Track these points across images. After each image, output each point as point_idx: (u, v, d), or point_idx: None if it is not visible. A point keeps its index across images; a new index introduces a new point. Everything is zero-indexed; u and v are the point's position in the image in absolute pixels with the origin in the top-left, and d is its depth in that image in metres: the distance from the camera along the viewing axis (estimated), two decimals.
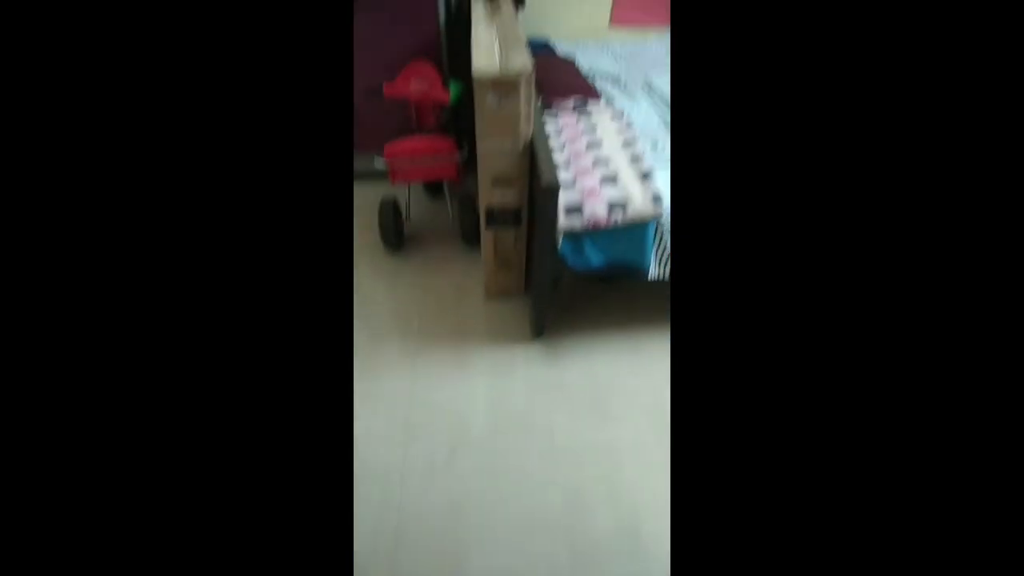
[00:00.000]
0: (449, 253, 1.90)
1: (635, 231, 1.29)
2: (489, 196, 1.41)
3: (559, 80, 1.77)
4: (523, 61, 1.28)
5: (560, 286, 1.47)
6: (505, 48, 1.41)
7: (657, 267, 1.36)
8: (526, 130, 1.31)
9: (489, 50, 1.36)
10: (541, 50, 2.19)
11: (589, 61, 2.13)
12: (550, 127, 1.59)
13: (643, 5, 2.29)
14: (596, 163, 1.41)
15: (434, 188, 2.16)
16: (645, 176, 1.34)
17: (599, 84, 1.94)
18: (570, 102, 1.67)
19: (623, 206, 1.26)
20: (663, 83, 1.94)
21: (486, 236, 1.50)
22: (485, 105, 1.23)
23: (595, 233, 1.28)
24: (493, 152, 1.33)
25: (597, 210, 1.25)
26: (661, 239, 1.32)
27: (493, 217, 1.46)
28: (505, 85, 1.21)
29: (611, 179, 1.33)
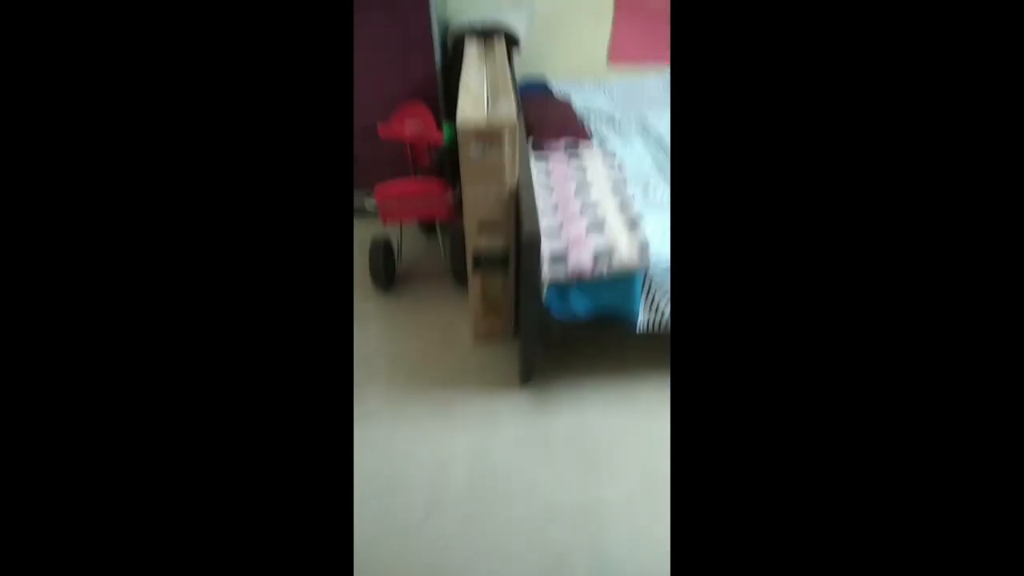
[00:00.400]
0: (440, 293, 1.87)
1: (622, 281, 1.25)
2: (476, 240, 1.39)
3: (551, 121, 1.77)
4: (509, 110, 1.27)
5: (551, 332, 1.43)
6: (494, 94, 1.41)
7: (647, 316, 1.31)
8: (511, 177, 1.29)
9: (477, 97, 1.35)
10: (537, 89, 2.20)
11: (585, 100, 2.14)
12: (540, 169, 1.58)
13: (640, 43, 2.30)
14: (584, 209, 1.38)
15: (428, 225, 2.15)
16: (633, 223, 1.30)
17: (593, 124, 1.94)
18: (561, 144, 1.66)
19: (609, 255, 1.23)
20: (658, 122, 1.93)
21: (473, 280, 1.47)
22: (469, 154, 1.22)
23: (581, 283, 1.25)
24: (478, 198, 1.31)
25: (582, 259, 1.22)
26: (649, 289, 1.27)
27: (480, 261, 1.43)
28: (489, 135, 1.20)
29: (598, 226, 1.30)
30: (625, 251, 1.23)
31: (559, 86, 2.25)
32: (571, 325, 1.35)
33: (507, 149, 1.23)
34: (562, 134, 1.69)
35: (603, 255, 1.23)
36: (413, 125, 1.79)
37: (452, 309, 1.79)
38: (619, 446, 1.37)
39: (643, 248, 1.23)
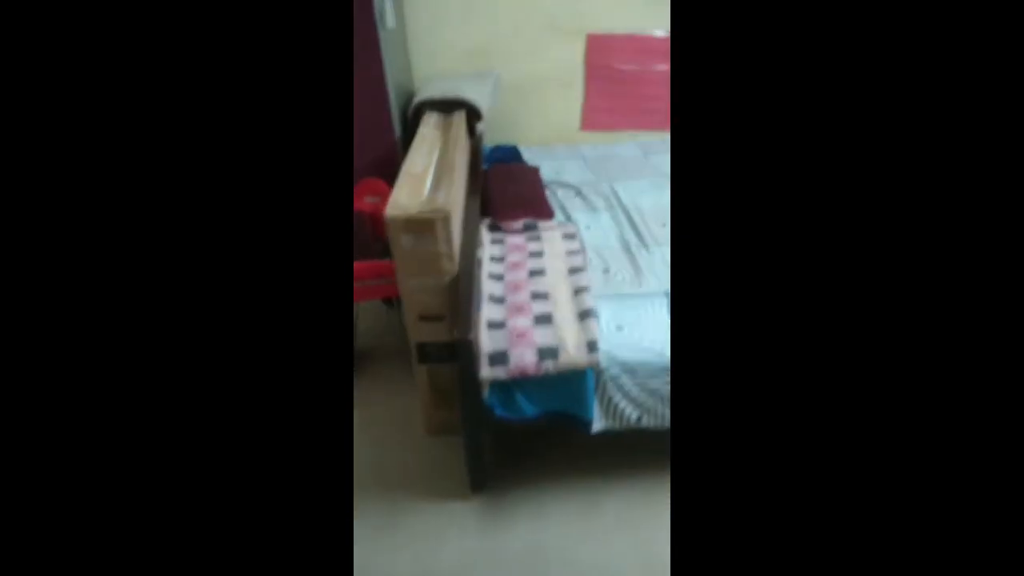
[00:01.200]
0: (399, 373, 1.73)
1: (571, 380, 1.12)
2: (417, 332, 1.27)
3: (513, 197, 1.69)
4: (447, 198, 1.19)
5: (503, 433, 1.29)
6: (439, 178, 1.34)
7: (604, 419, 1.17)
8: (451, 267, 1.20)
9: (417, 181, 1.28)
10: (507, 157, 2.15)
11: (556, 168, 2.08)
12: (494, 253, 1.49)
13: (612, 109, 2.27)
14: (535, 297, 1.27)
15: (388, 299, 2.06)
16: (584, 315, 1.19)
17: (560, 195, 1.86)
18: (520, 224, 1.58)
19: (555, 352, 1.10)
20: (628, 193, 1.85)
21: (420, 371, 1.35)
22: (400, 245, 1.13)
23: (525, 382, 1.12)
24: (415, 289, 1.21)
25: (525, 358, 1.09)
26: (604, 389, 1.14)
27: (425, 353, 1.31)
28: (420, 225, 1.11)
29: (546, 318, 1.19)
30: (572, 348, 1.10)
31: (530, 154, 2.20)
32: (528, 426, 1.21)
33: (442, 239, 1.14)
34: (522, 212, 1.61)
35: (549, 352, 1.10)
36: (372, 202, 1.73)
37: (410, 392, 1.66)
38: (578, 566, 1.19)
39: (591, 345, 1.10)
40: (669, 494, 1.37)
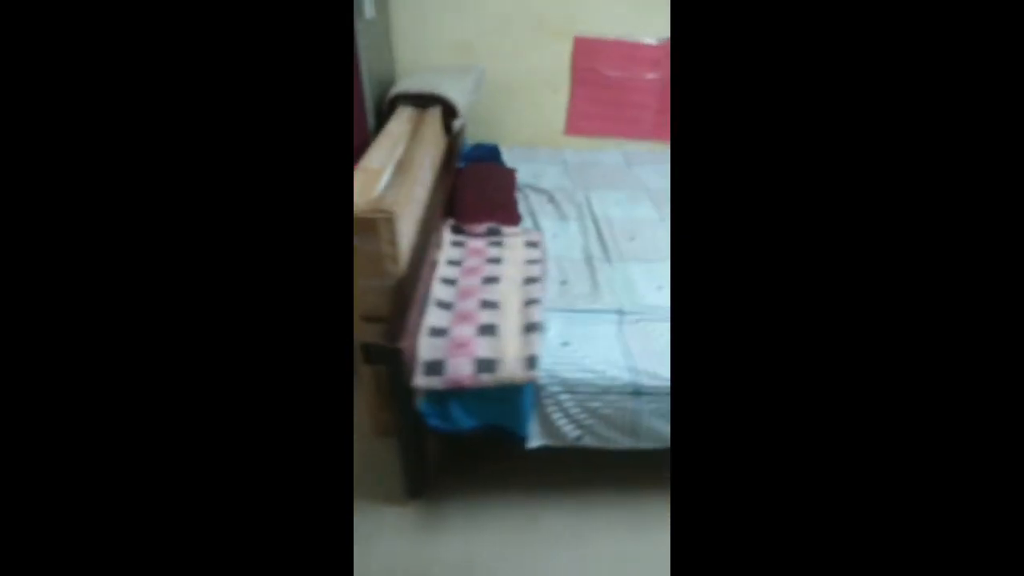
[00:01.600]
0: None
1: (509, 395, 1.09)
2: (362, 333, 1.24)
3: (480, 198, 1.66)
4: (398, 197, 1.16)
5: (442, 442, 1.26)
6: (397, 175, 1.30)
7: (542, 436, 1.14)
8: (396, 269, 1.16)
9: (371, 178, 1.24)
10: (486, 156, 2.12)
11: (534, 172, 2.04)
12: (453, 254, 1.45)
13: (597, 115, 2.23)
14: (484, 306, 1.24)
15: None
16: (529, 329, 1.15)
17: (532, 199, 1.83)
18: (483, 227, 1.54)
19: (493, 365, 1.07)
20: (601, 203, 1.81)
21: (365, 371, 1.32)
22: None
23: (462, 393, 1.09)
24: (361, 289, 1.18)
25: (461, 369, 1.06)
26: (542, 406, 1.11)
27: (370, 354, 1.28)
28: (363, 225, 1.08)
29: (491, 329, 1.16)
30: (511, 362, 1.07)
31: (511, 155, 2.17)
32: (467, 436, 1.18)
33: (385, 240, 1.10)
34: (487, 216, 1.58)
35: (487, 364, 1.07)
36: None
37: (358, 391, 1.63)
38: None
39: (531, 361, 1.07)
40: (607, 512, 1.37)
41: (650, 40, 2.06)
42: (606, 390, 1.10)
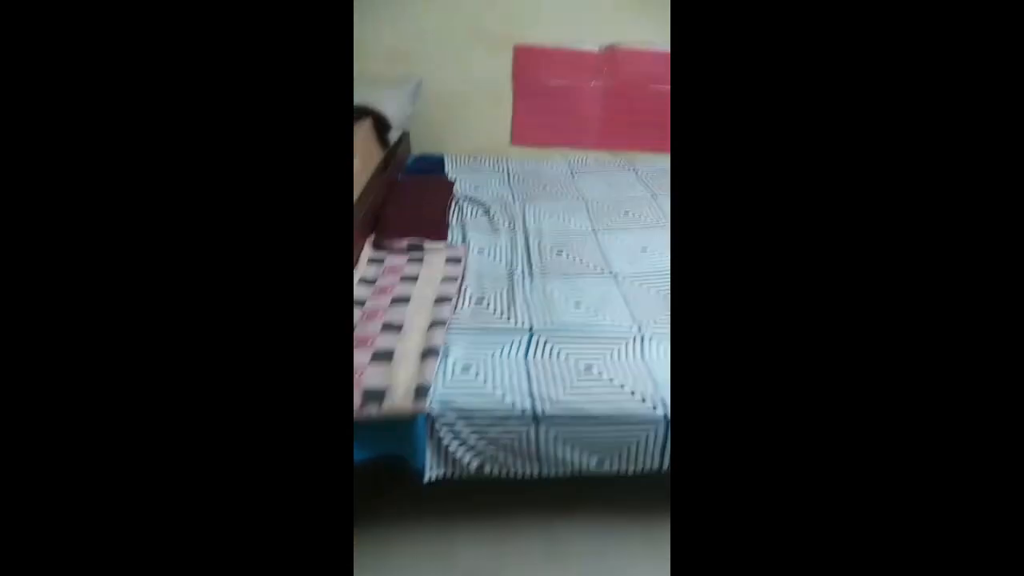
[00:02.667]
0: None
1: (400, 425, 1.04)
2: None
3: (406, 213, 1.62)
4: None
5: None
6: None
7: (439, 467, 1.09)
8: None
9: None
10: (428, 168, 2.08)
11: (476, 182, 2.00)
12: (369, 272, 1.41)
13: (543, 124, 2.19)
14: (385, 329, 1.19)
15: None
16: (426, 354, 1.11)
17: (467, 212, 1.78)
18: (404, 243, 1.50)
19: (381, 396, 1.02)
20: (536, 215, 1.77)
21: None
22: None
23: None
24: None
25: None
26: (438, 437, 1.06)
27: None
28: None
29: (387, 355, 1.11)
30: (401, 392, 1.03)
31: (456, 166, 2.13)
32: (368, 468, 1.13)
33: None
34: (411, 231, 1.53)
35: (374, 395, 1.02)
36: None
37: None
38: None
39: (421, 390, 1.03)
40: (526, 543, 1.31)
41: (591, 48, 2.03)
42: (504, 418, 1.05)
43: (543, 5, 1.97)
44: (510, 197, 1.92)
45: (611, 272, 1.48)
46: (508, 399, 1.05)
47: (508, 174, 2.11)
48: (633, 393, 1.07)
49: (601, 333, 1.22)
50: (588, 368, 1.12)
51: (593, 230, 1.71)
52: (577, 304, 1.34)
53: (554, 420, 1.06)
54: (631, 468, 1.13)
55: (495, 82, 2.10)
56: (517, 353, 1.16)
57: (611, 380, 1.09)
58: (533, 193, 1.96)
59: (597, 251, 1.59)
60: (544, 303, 1.34)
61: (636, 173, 2.15)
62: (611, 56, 2.05)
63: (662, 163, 2.22)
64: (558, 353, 1.16)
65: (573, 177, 2.11)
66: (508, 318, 1.27)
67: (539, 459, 1.10)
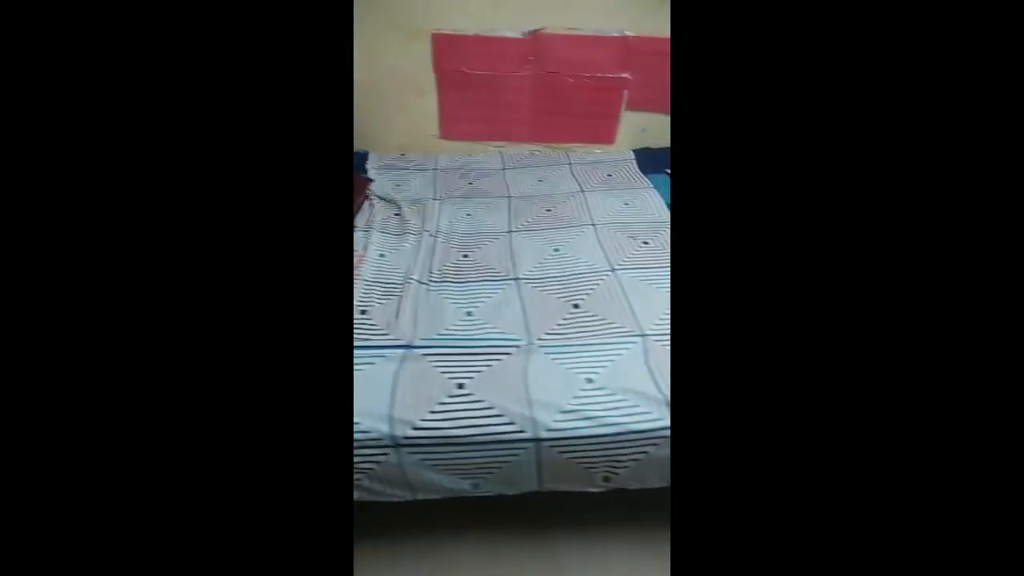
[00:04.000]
0: None
1: None
2: None
3: None
4: None
5: None
6: None
7: None
8: None
9: None
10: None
11: (398, 180, 1.90)
12: None
13: (472, 117, 2.09)
14: None
15: None
16: None
17: (377, 213, 1.68)
18: None
19: None
20: (451, 214, 1.68)
21: None
22: None
23: None
24: None
25: None
26: None
27: None
28: None
29: None
30: None
31: (381, 163, 2.03)
32: None
33: None
34: None
35: None
36: None
37: None
38: None
39: None
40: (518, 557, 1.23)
41: (513, 34, 1.92)
42: (363, 444, 0.98)
43: None
44: (430, 195, 1.83)
45: (515, 277, 1.40)
46: (366, 424, 0.98)
47: (435, 171, 2.02)
48: (501, 415, 1.00)
49: (484, 346, 1.14)
50: (460, 386, 1.04)
51: (509, 230, 1.62)
52: (469, 313, 1.26)
53: (415, 445, 0.98)
54: (510, 490, 1.06)
55: (416, 73, 1.99)
56: (387, 370, 1.08)
57: (480, 400, 1.02)
58: (455, 190, 1.87)
59: (507, 253, 1.50)
60: (433, 313, 1.25)
61: (570, 167, 2.06)
62: (536, 42, 1.94)
63: (596, 155, 2.13)
64: (430, 370, 1.08)
65: (504, 172, 2.02)
66: (387, 332, 1.19)
67: (409, 485, 1.03)
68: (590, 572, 1.16)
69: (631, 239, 1.55)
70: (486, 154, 2.13)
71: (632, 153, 2.13)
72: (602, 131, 2.15)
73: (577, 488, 1.07)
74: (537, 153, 2.15)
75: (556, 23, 1.91)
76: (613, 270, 1.41)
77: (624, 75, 2.02)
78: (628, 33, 1.94)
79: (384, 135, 2.12)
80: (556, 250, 1.51)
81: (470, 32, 1.91)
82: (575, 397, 1.02)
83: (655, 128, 2.15)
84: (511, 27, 1.91)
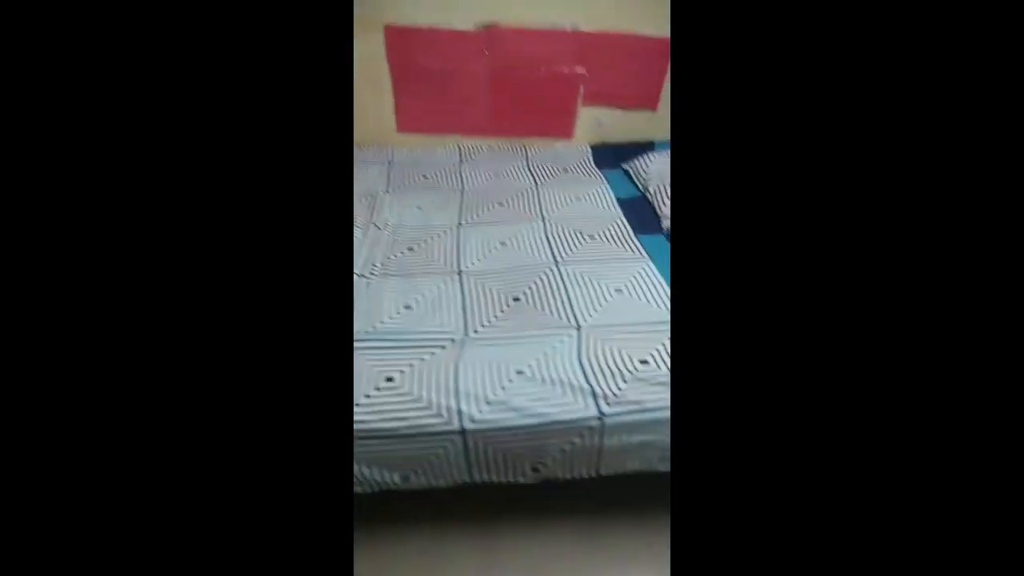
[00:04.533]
0: None
1: None
2: None
3: None
4: None
5: None
6: None
7: None
8: None
9: None
10: None
11: (353, 175, 1.89)
12: None
13: (428, 111, 2.08)
14: None
15: None
16: None
17: None
18: None
19: None
20: (400, 208, 1.68)
21: None
22: None
23: None
24: None
25: None
26: None
27: None
28: None
29: None
30: None
31: None
32: None
33: None
34: None
35: None
36: None
37: None
38: None
39: None
40: (509, 551, 1.21)
41: (467, 27, 1.91)
42: None
43: None
44: (383, 189, 1.82)
45: (458, 270, 1.40)
46: None
47: (390, 164, 2.00)
48: (427, 407, 1.00)
49: (419, 339, 1.15)
50: (389, 379, 1.05)
51: (458, 224, 1.62)
52: (408, 306, 1.26)
53: None
54: (440, 482, 1.07)
55: (369, 65, 1.97)
56: None
57: (407, 393, 1.02)
58: (409, 184, 1.86)
59: (453, 246, 1.50)
60: (372, 307, 1.25)
61: (527, 160, 2.06)
62: (491, 35, 1.93)
63: (554, 149, 2.13)
64: (360, 364, 1.08)
65: (460, 166, 2.01)
66: None
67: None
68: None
69: (577, 233, 1.57)
70: (445, 148, 2.13)
71: (589, 148, 2.14)
72: (560, 125, 2.16)
73: (508, 479, 1.08)
74: (495, 148, 2.15)
75: (509, 16, 1.91)
76: (556, 264, 1.43)
77: (579, 69, 2.03)
78: (582, 28, 1.94)
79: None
80: (502, 243, 1.52)
81: (423, 24, 1.90)
82: (502, 388, 1.03)
83: (611, 122, 2.17)
84: (464, 19, 1.90)
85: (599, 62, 2.00)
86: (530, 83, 2.03)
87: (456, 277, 1.37)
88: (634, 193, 1.82)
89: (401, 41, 1.92)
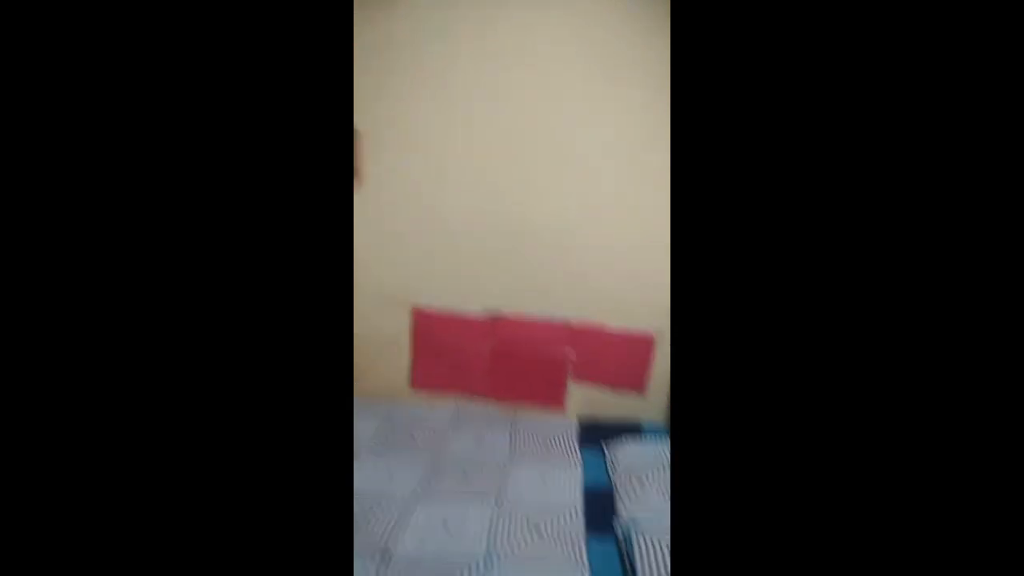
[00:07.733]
0: None
1: None
2: None
3: None
4: None
5: None
6: None
7: None
8: None
9: None
10: None
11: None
12: None
13: (439, 374, 2.36)
14: None
15: None
16: None
17: None
18: None
19: None
20: (371, 471, 1.78)
21: None
22: None
23: None
24: None
25: None
26: None
27: None
28: None
29: None
30: None
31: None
32: None
33: None
34: None
35: None
36: None
37: None
38: None
39: None
40: None
41: (477, 313, 2.30)
42: None
43: (435, 272, 2.33)
44: (366, 448, 1.95)
45: (389, 554, 1.40)
46: None
47: (384, 418, 2.18)
48: None
49: None
50: None
51: (415, 493, 1.67)
52: None
53: None
54: None
55: (395, 332, 2.37)
56: None
57: None
58: (392, 442, 2.00)
59: (393, 520, 1.52)
60: None
61: (512, 430, 2.16)
62: (496, 321, 2.30)
63: (543, 421, 2.25)
64: None
65: (448, 426, 2.15)
66: None
67: None
68: None
69: (526, 523, 1.53)
70: (444, 406, 2.33)
71: (576, 423, 2.22)
72: (551, 398, 2.32)
73: None
74: (488, 413, 2.31)
75: (511, 306, 2.29)
76: (486, 565, 1.38)
77: (569, 352, 2.27)
78: (572, 323, 2.25)
79: (361, 381, 2.43)
80: (444, 523, 1.51)
81: (443, 309, 2.32)
82: None
83: (600, 400, 2.28)
84: (475, 303, 2.31)
85: (584, 347, 2.24)
86: (526, 361, 2.29)
87: (380, 559, 1.36)
88: (602, 482, 1.79)
89: (424, 320, 2.34)
